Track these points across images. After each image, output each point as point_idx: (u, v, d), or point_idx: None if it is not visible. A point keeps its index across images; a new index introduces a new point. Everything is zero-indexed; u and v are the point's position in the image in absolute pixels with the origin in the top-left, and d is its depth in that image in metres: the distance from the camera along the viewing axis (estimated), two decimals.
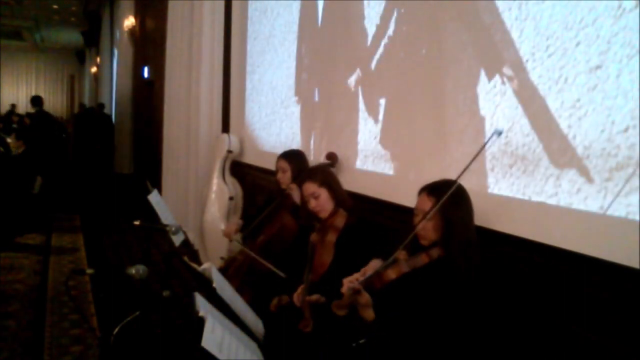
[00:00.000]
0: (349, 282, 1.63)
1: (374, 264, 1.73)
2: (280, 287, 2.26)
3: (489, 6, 1.93)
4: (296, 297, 2.05)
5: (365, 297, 1.60)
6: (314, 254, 2.17)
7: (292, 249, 2.49)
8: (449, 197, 1.64)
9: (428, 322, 1.59)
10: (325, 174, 2.34)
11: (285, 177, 2.75)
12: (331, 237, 2.24)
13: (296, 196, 2.59)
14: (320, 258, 2.21)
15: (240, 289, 1.98)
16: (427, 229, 1.71)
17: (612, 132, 1.49)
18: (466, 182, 1.83)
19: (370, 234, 2.24)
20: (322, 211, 2.25)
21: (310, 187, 2.26)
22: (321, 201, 2.24)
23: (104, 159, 9.35)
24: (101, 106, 10.62)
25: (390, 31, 2.51)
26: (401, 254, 1.71)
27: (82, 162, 9.40)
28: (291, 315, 2.06)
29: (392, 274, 1.68)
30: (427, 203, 1.71)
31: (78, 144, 9.88)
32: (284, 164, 2.77)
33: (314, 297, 2.00)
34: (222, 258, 3.07)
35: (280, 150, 3.07)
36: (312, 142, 3.28)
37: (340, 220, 2.26)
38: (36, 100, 8.13)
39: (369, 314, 1.61)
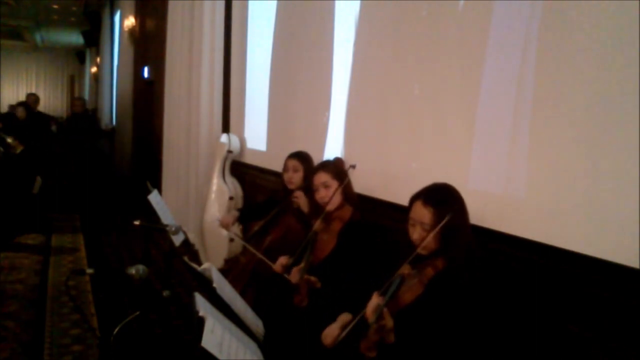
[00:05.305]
0: (373, 305, 1.51)
1: (344, 318, 1.65)
2: (284, 292, 2.26)
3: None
4: (294, 274, 2.05)
5: (390, 322, 1.50)
6: (316, 239, 2.20)
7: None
8: (447, 202, 1.62)
9: (448, 334, 1.55)
10: (339, 168, 2.37)
11: (296, 177, 2.69)
12: (335, 227, 2.28)
13: (302, 204, 2.54)
14: (322, 244, 2.25)
15: (242, 294, 1.98)
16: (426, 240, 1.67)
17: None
18: (466, 182, 1.83)
19: (373, 233, 2.27)
20: (329, 203, 2.25)
21: (323, 177, 2.29)
22: (331, 192, 2.26)
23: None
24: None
25: (389, 29, 2.51)
26: (405, 269, 1.67)
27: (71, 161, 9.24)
28: (288, 290, 2.08)
29: (407, 298, 1.60)
30: (424, 211, 1.64)
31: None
32: (296, 164, 2.71)
33: (313, 278, 2.03)
34: (225, 260, 3.07)
35: (280, 150, 3.06)
36: (312, 142, 3.27)
37: (346, 214, 2.31)
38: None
39: (390, 337, 1.53)
